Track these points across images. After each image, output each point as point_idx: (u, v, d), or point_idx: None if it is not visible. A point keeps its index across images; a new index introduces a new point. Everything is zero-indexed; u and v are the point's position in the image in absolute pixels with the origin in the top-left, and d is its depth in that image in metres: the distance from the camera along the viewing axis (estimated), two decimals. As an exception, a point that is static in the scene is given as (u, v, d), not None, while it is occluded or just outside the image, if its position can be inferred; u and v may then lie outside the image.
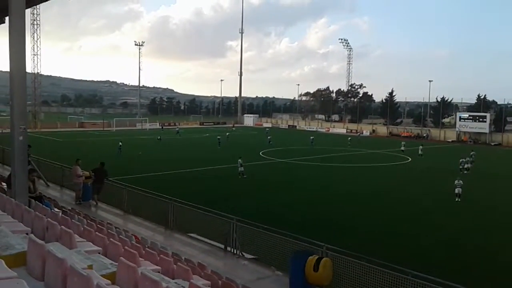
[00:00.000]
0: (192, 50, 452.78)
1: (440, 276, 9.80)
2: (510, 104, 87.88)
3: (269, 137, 57.25)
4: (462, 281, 9.82)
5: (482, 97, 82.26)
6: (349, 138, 60.68)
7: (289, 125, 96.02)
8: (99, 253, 6.22)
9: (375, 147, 54.83)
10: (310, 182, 30.09)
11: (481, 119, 69.87)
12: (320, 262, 10.50)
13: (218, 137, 54.95)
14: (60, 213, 10.09)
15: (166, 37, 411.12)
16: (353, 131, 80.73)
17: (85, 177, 18.91)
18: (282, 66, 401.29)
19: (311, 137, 57.92)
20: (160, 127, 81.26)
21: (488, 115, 71.09)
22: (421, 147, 47.86)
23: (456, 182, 25.29)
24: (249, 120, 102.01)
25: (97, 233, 7.94)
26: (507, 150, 60.48)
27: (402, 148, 49.93)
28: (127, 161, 37.27)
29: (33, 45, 76.40)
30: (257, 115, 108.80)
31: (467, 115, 73.05)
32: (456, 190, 24.94)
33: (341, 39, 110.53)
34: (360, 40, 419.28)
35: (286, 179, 31.06)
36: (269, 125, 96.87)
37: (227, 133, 62.53)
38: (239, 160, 30.60)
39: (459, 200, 24.54)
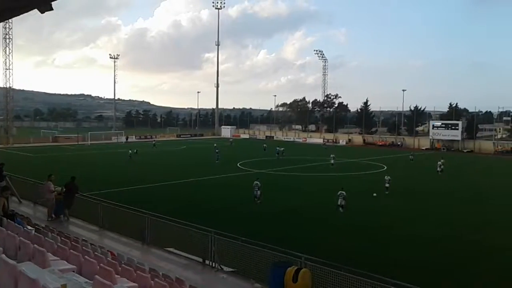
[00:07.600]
0: (168, 63, 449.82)
1: (419, 284, 9.92)
2: (481, 112, 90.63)
3: (264, 145, 64.13)
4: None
5: (454, 105, 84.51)
6: (282, 149, 55.10)
7: (266, 136, 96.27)
8: (73, 271, 6.09)
9: (352, 156, 55.42)
10: (287, 192, 30.17)
11: (453, 127, 71.61)
12: (299, 273, 10.52)
13: (217, 150, 52.08)
14: (33, 231, 9.85)
15: (143, 50, 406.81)
16: (327, 140, 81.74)
17: (57, 193, 18.53)
18: (259, 77, 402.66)
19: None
20: (124, 141, 77.56)
21: (460, 123, 72.90)
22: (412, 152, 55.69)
23: None
24: (226, 131, 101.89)
25: (71, 250, 7.78)
26: (479, 156, 62.07)
27: (332, 161, 44.46)
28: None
29: (5, 59, 75.23)
30: (235, 126, 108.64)
31: (440, 123, 74.66)
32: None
33: (316, 51, 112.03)
34: (337, 51, 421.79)
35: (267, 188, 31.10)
36: (247, 136, 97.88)
37: (215, 144, 61.97)
38: (257, 182, 25.66)
39: (342, 209, 23.39)
